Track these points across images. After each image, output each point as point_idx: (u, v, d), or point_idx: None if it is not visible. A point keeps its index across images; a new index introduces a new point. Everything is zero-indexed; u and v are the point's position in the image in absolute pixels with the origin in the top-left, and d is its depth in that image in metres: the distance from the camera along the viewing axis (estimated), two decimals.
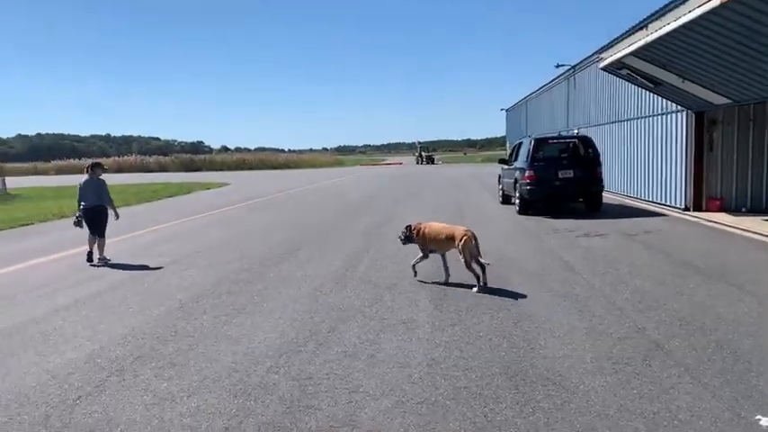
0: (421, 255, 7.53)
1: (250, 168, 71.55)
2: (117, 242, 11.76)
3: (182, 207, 20.79)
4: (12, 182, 34.44)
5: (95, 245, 9.63)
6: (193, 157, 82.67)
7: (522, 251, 9.37)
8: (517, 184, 14.44)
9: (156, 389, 4.28)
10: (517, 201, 14.54)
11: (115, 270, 8.94)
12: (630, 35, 10.81)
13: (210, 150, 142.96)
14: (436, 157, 79.52)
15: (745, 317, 5.53)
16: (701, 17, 7.64)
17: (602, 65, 12.65)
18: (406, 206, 17.72)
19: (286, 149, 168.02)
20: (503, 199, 17.21)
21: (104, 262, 9.55)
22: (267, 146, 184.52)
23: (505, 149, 66.21)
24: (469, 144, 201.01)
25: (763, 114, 12.96)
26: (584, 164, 13.94)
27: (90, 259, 9.55)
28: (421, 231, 7.43)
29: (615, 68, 12.38)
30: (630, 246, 9.60)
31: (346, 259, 9.11)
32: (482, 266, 6.97)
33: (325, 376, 4.38)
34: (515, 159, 15.57)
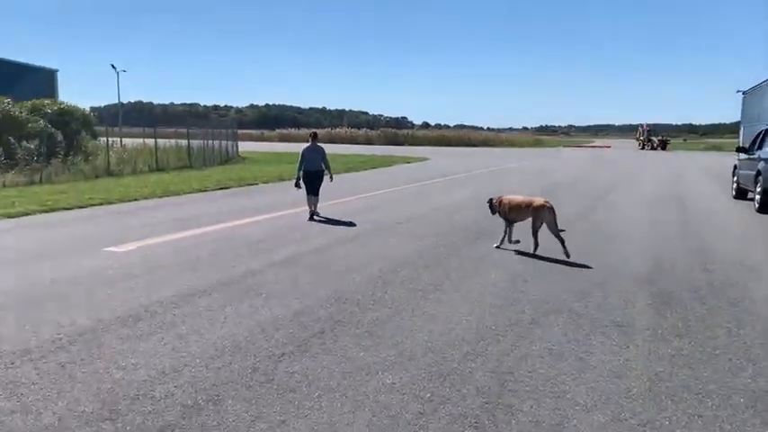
0: (505, 225, 8.31)
1: (448, 144, 72.21)
2: (326, 206, 12.44)
3: (384, 178, 21.52)
4: (242, 146, 38.81)
5: (313, 202, 11.03)
6: (397, 131, 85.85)
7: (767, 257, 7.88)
8: (760, 177, 12.29)
9: (354, 357, 4.26)
10: (758, 196, 12.39)
11: (323, 232, 9.40)
12: None
13: (412, 126, 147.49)
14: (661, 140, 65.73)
15: None
16: None
17: None
18: (616, 196, 16.24)
19: (485, 127, 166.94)
20: (737, 193, 14.88)
21: (317, 216, 10.91)
22: (466, 123, 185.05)
23: (737, 137, 57.74)
24: (690, 130, 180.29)
25: None
26: None
27: (311, 217, 10.85)
28: (502, 202, 8.27)
29: None
30: None
31: (546, 247, 8.48)
32: (560, 239, 7.60)
33: (527, 374, 3.97)
34: (759, 148, 13.27)
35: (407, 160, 34.14)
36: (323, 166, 11.19)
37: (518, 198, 8.27)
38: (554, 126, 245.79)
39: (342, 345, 4.51)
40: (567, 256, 7.46)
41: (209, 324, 4.97)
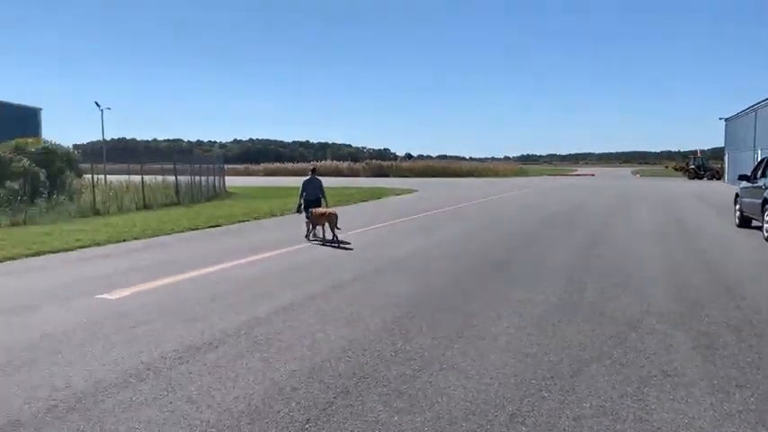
0: (311, 227, 12.66)
1: (434, 175, 72.43)
2: (317, 245, 12.03)
3: (376, 211, 21.16)
4: (228, 181, 38.39)
5: (311, 226, 12.80)
6: (382, 163, 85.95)
7: None
8: (767, 206, 12.13)
9: (387, 423, 3.81)
10: (766, 225, 12.19)
11: (324, 273, 8.95)
12: None
13: (395, 157, 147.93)
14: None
15: None
16: None
17: None
18: (616, 226, 16.02)
19: (467, 157, 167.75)
20: (740, 221, 14.71)
21: (317, 238, 12.60)
22: (449, 154, 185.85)
23: (719, 163, 58.25)
24: (669, 156, 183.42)
25: None
26: None
27: (307, 236, 12.71)
28: (314, 213, 12.54)
29: None
30: None
31: (566, 283, 8.13)
32: (334, 233, 12.15)
33: None
34: (763, 176, 13.16)
35: (396, 192, 33.92)
36: (321, 195, 13.28)
37: (320, 210, 12.69)
38: (535, 155, 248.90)
39: (370, 407, 4.06)
40: (337, 241, 11.99)
41: (219, 384, 4.50)
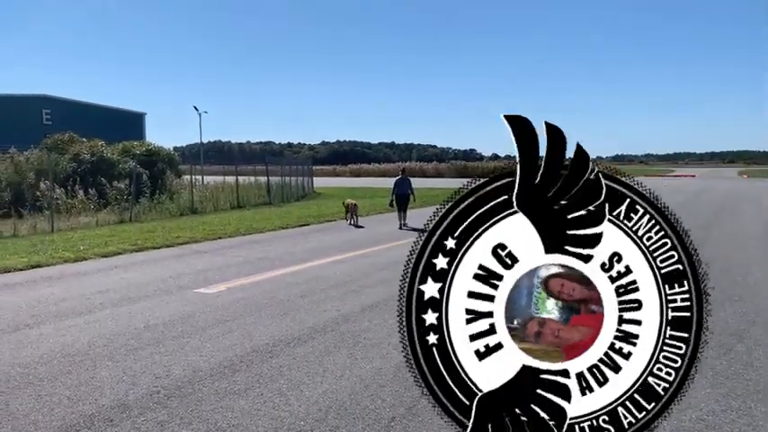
0: (348, 214, 16.56)
1: None
2: (403, 245, 12.08)
3: None
4: (316, 182, 39.39)
5: (402, 217, 15.34)
6: (467, 163, 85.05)
7: None
8: None
9: None
10: None
11: None
12: None
13: (481, 158, 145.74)
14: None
15: None
16: None
17: None
18: (719, 230, 15.05)
19: None
20: None
21: (407, 227, 14.71)
22: None
23: None
24: None
25: None
26: None
27: (401, 227, 14.85)
28: (346, 202, 16.93)
29: None
30: None
31: None
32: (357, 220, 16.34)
33: None
34: None
35: None
36: (409, 192, 15.64)
37: (348, 200, 16.88)
38: (630, 155, 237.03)
39: None
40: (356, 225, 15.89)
41: (308, 378, 4.63)
